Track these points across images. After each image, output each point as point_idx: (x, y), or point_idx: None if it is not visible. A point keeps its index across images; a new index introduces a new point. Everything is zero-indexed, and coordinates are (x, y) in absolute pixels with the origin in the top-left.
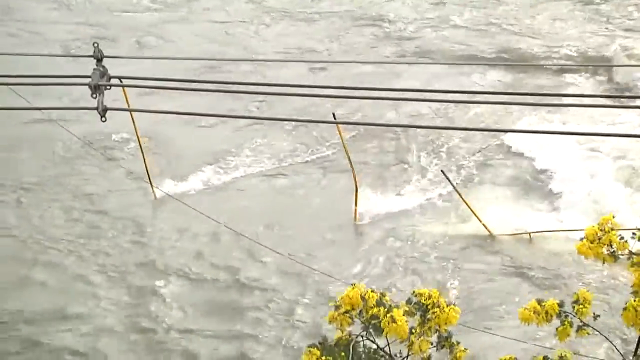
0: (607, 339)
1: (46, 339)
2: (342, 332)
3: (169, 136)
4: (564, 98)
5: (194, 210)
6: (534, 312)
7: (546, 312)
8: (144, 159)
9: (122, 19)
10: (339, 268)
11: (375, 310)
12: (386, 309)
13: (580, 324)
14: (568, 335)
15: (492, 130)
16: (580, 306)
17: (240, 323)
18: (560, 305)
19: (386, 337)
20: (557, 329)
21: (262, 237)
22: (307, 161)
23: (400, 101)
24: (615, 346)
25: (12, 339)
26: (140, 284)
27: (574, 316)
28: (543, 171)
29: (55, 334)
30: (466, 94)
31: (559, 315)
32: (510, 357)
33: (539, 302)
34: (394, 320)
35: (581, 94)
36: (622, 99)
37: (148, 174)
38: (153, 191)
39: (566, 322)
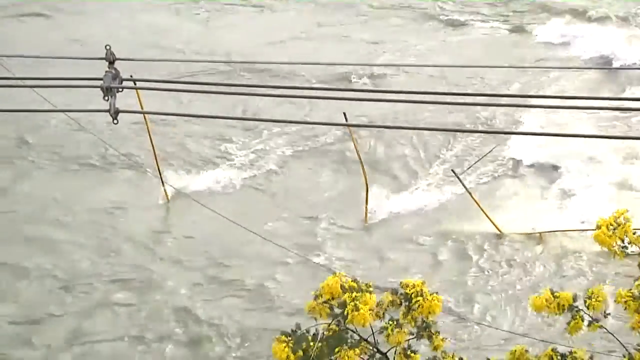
0: (614, 335)
1: None
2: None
3: None
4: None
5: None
6: (546, 301)
7: (558, 304)
8: (157, 161)
9: None
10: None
11: (346, 296)
12: (352, 295)
13: (591, 319)
14: (579, 329)
15: (491, 132)
16: (592, 300)
17: None
18: (574, 299)
19: (371, 327)
20: (567, 323)
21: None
22: None
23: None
24: (622, 344)
25: None
26: None
27: (585, 312)
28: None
29: None
30: (466, 96)
31: (570, 309)
32: (521, 347)
33: (552, 292)
34: (357, 309)
35: (581, 96)
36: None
37: (160, 175)
38: (165, 191)
39: (577, 317)
